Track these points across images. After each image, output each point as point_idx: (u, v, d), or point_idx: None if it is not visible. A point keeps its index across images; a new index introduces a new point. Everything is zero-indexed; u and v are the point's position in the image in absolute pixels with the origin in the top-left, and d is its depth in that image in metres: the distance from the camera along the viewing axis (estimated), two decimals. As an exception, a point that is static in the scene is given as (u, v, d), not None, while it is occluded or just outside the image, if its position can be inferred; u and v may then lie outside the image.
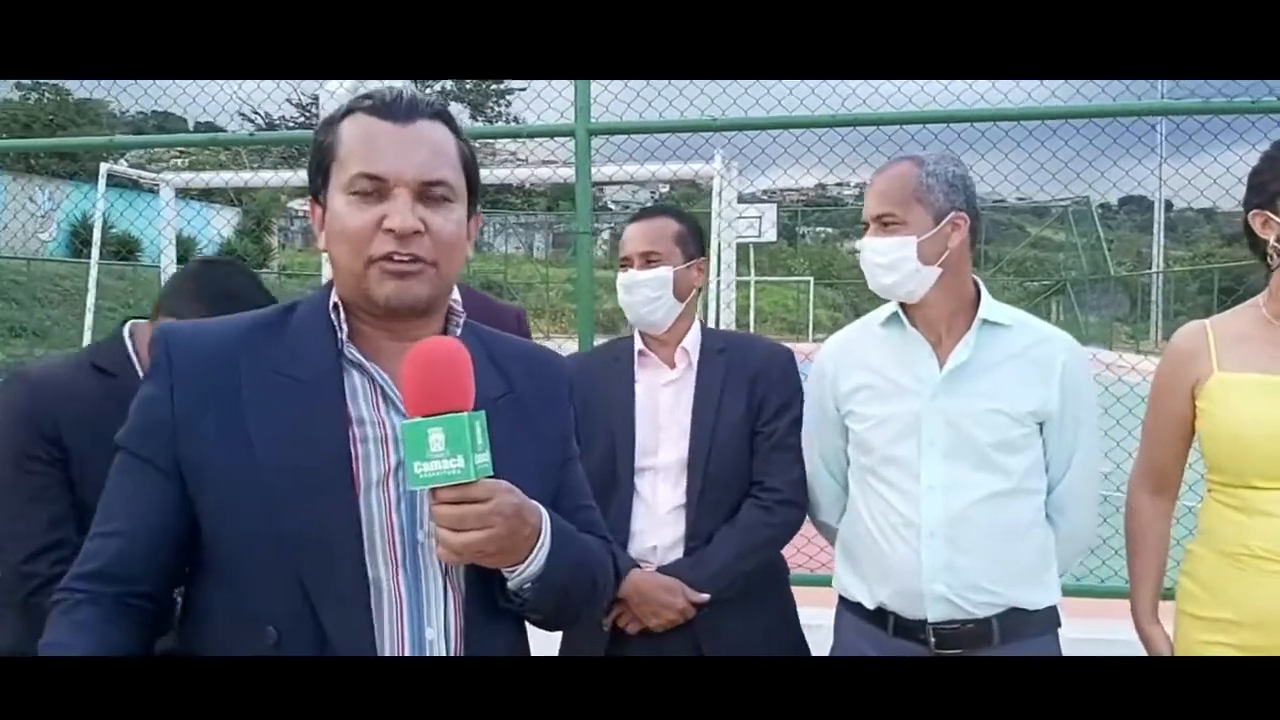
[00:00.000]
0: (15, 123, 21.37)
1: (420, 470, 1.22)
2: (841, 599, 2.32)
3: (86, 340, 11.27)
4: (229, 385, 1.32)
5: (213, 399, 1.32)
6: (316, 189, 1.40)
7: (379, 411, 1.35)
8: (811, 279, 34.01)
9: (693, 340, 2.48)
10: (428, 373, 1.24)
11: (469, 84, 36.16)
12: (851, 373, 2.25)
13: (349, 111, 1.38)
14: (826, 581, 2.40)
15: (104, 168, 10.38)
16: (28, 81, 22.94)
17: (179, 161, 20.62)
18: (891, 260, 2.12)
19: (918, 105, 3.96)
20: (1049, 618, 2.16)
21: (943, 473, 2.09)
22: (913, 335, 2.16)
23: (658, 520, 2.38)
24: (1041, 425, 2.12)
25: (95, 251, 11.64)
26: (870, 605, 2.19)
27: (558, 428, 1.52)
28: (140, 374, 1.92)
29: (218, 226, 24.00)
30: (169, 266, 10.14)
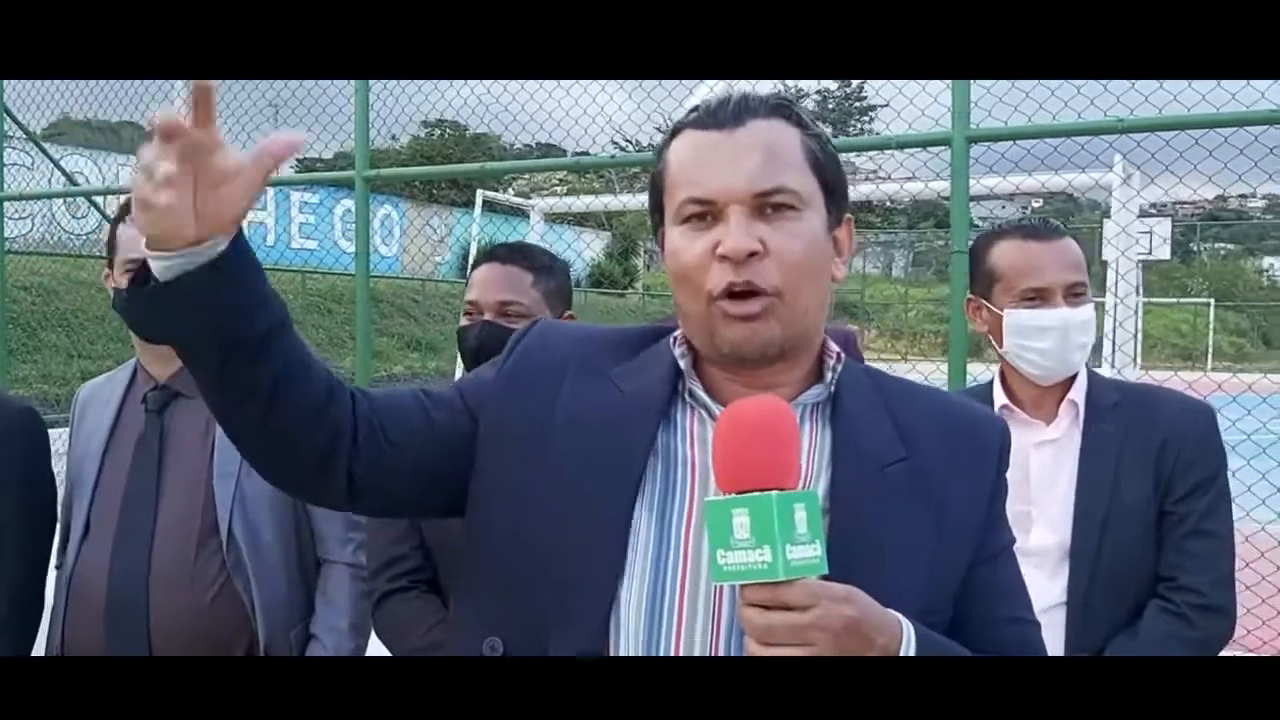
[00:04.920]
0: (421, 157, 23.69)
1: (724, 561, 0.99)
2: None
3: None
4: (558, 374, 1.21)
5: (539, 378, 1.21)
6: (656, 226, 1.23)
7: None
8: (1211, 300, 30.57)
9: (1081, 389, 1.99)
10: (737, 438, 1.01)
11: (831, 104, 35.93)
12: None
13: (676, 131, 1.19)
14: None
15: (480, 194, 11.16)
16: (432, 120, 25.40)
17: (559, 189, 21.97)
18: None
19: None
20: None
21: None
22: None
23: None
24: None
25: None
26: None
27: (972, 511, 1.18)
28: None
29: (593, 249, 25.47)
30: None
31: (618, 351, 1.23)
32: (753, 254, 1.08)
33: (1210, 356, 27.86)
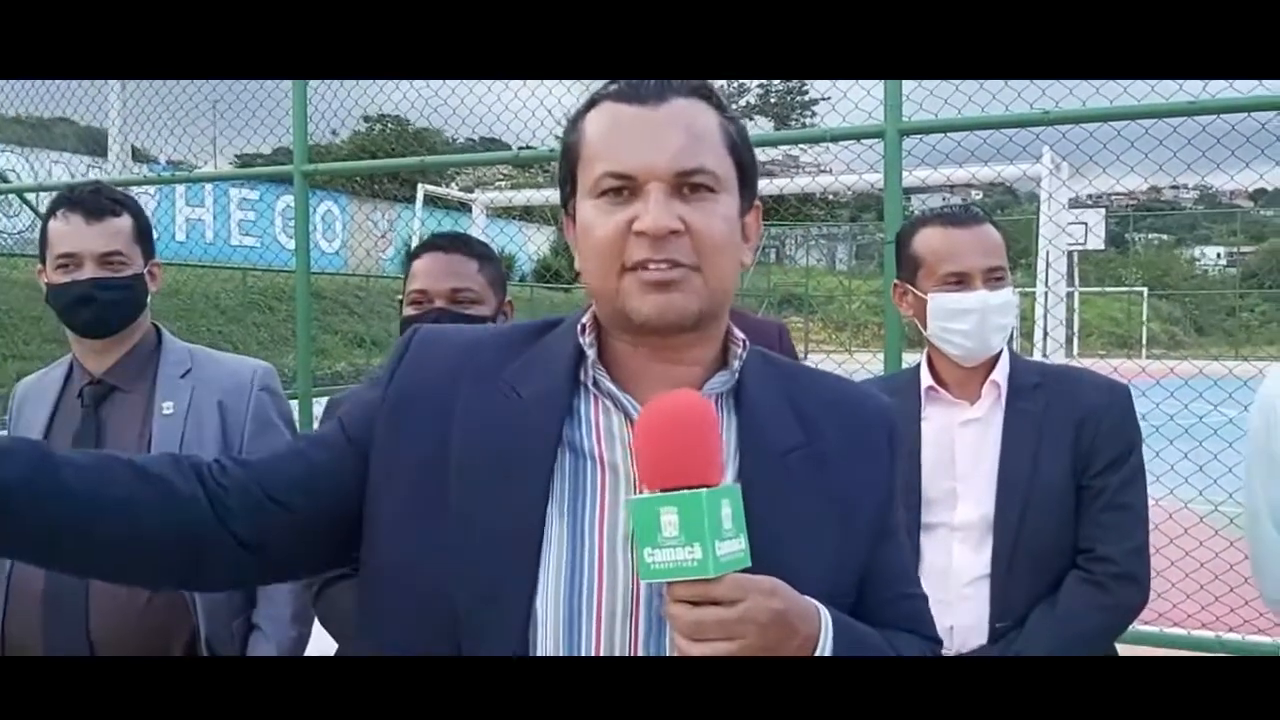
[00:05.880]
0: (364, 152, 23.43)
1: (651, 559, 0.98)
2: None
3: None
4: (449, 388, 1.15)
5: (429, 395, 1.15)
6: (566, 198, 1.18)
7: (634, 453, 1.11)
8: (1145, 289, 31.29)
9: (1003, 370, 2.05)
10: (661, 435, 0.99)
11: (773, 97, 36.12)
12: None
13: (593, 102, 1.15)
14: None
15: (421, 188, 11.07)
16: (373, 114, 25.12)
17: (502, 184, 21.85)
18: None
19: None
20: None
21: None
22: None
23: (955, 594, 1.97)
24: None
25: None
26: None
27: (870, 494, 1.20)
28: None
29: (538, 244, 25.38)
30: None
31: (507, 351, 1.18)
32: (673, 232, 1.07)
33: (1145, 344, 28.51)
